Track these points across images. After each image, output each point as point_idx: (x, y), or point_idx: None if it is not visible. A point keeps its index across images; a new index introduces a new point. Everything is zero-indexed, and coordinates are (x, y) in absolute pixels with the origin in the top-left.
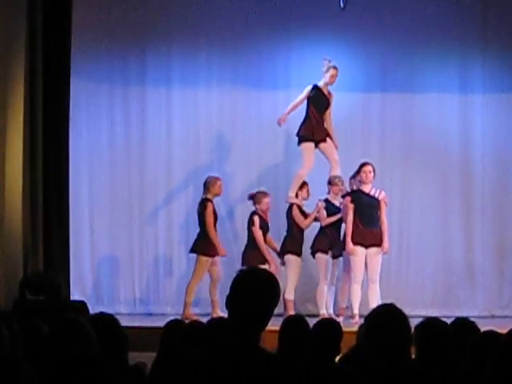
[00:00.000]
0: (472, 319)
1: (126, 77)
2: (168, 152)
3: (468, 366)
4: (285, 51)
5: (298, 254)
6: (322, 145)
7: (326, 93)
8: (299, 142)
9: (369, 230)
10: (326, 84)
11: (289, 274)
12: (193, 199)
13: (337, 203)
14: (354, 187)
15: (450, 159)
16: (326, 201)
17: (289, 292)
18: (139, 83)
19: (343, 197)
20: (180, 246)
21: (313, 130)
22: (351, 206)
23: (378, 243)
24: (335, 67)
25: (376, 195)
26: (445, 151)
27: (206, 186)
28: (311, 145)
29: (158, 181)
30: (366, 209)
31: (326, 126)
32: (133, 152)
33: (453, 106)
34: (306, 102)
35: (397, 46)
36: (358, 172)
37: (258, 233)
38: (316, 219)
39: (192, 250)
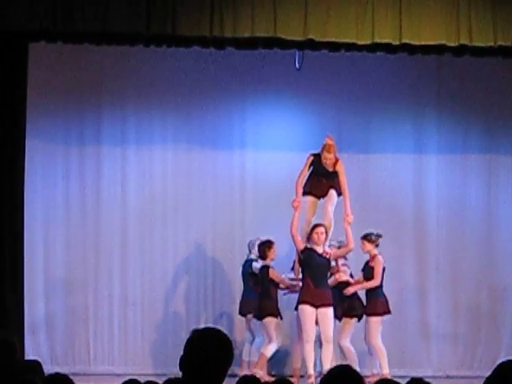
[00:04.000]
0: (427, 379)
1: (81, 136)
2: (123, 210)
3: None
4: (240, 111)
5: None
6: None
7: (324, 163)
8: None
9: (319, 291)
10: (324, 157)
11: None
12: (148, 257)
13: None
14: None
15: (404, 219)
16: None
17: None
18: (94, 142)
19: None
20: (135, 304)
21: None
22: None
23: (328, 303)
24: (328, 136)
25: (328, 256)
26: (399, 211)
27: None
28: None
29: (113, 239)
30: (317, 269)
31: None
32: (88, 211)
33: (407, 166)
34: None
35: (352, 107)
36: (310, 233)
37: (279, 277)
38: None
39: (262, 316)
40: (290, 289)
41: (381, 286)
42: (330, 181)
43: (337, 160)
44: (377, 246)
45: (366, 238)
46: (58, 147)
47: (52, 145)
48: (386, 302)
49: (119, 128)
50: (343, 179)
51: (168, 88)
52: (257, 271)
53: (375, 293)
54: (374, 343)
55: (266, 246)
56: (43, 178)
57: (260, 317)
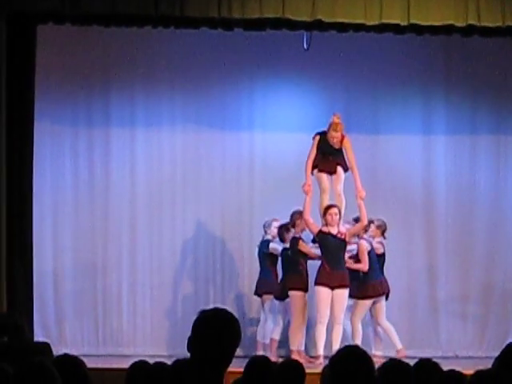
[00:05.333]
0: (435, 360)
1: (89, 118)
2: (132, 192)
3: None
4: (248, 92)
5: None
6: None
7: (331, 141)
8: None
9: (335, 272)
10: (331, 135)
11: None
12: (157, 239)
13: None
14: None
15: (413, 199)
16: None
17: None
18: (103, 124)
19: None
20: (144, 286)
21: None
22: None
23: (344, 284)
24: (334, 114)
25: (343, 237)
26: (408, 191)
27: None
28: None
29: (122, 221)
30: (333, 250)
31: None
32: (97, 193)
33: (416, 146)
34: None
35: (360, 88)
36: (324, 214)
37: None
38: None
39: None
40: (319, 259)
41: (370, 270)
42: (336, 158)
43: (343, 137)
44: (382, 234)
45: (374, 222)
46: (66, 129)
47: (60, 127)
48: (381, 283)
49: (128, 110)
50: (351, 155)
51: (176, 70)
52: (275, 252)
53: (366, 276)
54: (354, 324)
55: (298, 214)
56: (52, 160)
57: (284, 292)
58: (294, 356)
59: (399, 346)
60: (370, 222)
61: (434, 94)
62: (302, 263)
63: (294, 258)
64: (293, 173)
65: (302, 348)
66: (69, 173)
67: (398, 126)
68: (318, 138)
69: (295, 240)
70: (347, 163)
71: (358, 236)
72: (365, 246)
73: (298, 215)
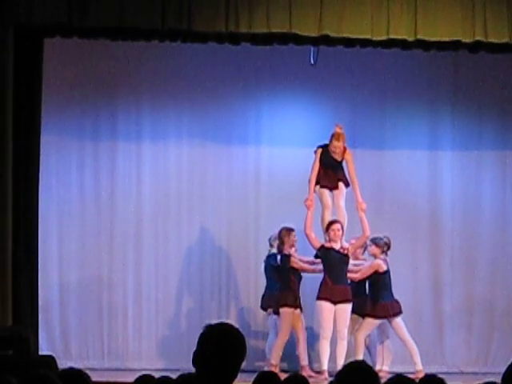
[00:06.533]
0: (441, 376)
1: (96, 132)
2: (138, 207)
3: None
4: (255, 107)
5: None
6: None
7: (332, 152)
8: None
9: (337, 287)
10: (334, 145)
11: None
12: (163, 253)
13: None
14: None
15: (418, 215)
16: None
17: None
18: (109, 138)
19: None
20: (149, 300)
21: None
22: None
23: (347, 299)
24: (336, 124)
25: (345, 252)
26: (414, 208)
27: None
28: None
29: (127, 235)
30: (335, 265)
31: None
32: (102, 207)
33: (422, 162)
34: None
35: (367, 103)
36: (327, 230)
37: (299, 264)
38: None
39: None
40: (315, 272)
41: (382, 290)
42: (337, 172)
43: (345, 149)
44: (383, 252)
45: (374, 241)
46: (72, 142)
47: (67, 140)
48: (391, 304)
49: (134, 123)
50: (352, 167)
51: (183, 84)
52: (279, 263)
53: (377, 295)
54: (358, 340)
55: (285, 231)
56: (58, 173)
57: (277, 308)
58: (272, 369)
59: (419, 367)
60: (372, 240)
61: (441, 109)
62: (294, 280)
63: (285, 274)
64: (299, 187)
65: (306, 363)
66: (75, 186)
67: (404, 141)
68: (320, 150)
69: (286, 257)
70: (347, 176)
71: (375, 256)
72: (376, 263)
73: (284, 232)
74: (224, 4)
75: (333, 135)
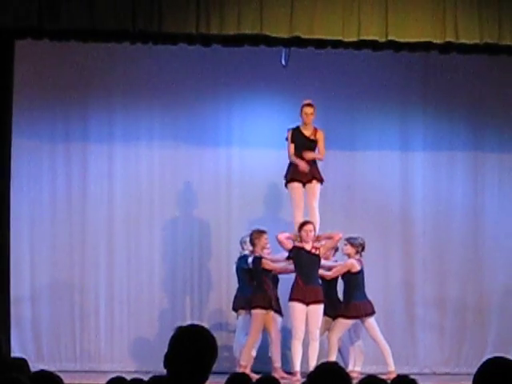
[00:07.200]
0: (413, 376)
1: (67, 134)
2: (109, 208)
3: None
4: (226, 108)
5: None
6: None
7: (306, 134)
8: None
9: (309, 288)
10: (305, 124)
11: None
12: (134, 254)
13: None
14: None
15: (390, 215)
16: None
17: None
18: (81, 140)
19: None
20: (121, 302)
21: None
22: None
23: (319, 300)
24: (307, 104)
25: (317, 252)
26: (385, 207)
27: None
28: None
29: (99, 237)
30: (307, 266)
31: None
32: (74, 208)
33: (393, 163)
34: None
35: (338, 104)
36: (299, 231)
37: (271, 266)
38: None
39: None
40: (288, 271)
41: (355, 290)
42: (312, 167)
43: (316, 129)
44: (358, 252)
45: (350, 241)
46: (43, 145)
47: (38, 142)
48: (364, 304)
49: (106, 125)
50: (322, 145)
51: (154, 85)
52: (251, 266)
53: (350, 296)
54: (331, 341)
55: (256, 233)
56: (29, 175)
57: (249, 309)
58: (242, 370)
59: (392, 368)
60: (347, 240)
61: (412, 110)
62: (267, 282)
63: (257, 276)
64: (270, 188)
65: (279, 364)
66: (46, 189)
67: (375, 142)
68: (291, 132)
69: (258, 260)
70: (319, 153)
71: (349, 256)
72: (350, 263)
73: (256, 234)
74: (195, 5)
75: (303, 105)
